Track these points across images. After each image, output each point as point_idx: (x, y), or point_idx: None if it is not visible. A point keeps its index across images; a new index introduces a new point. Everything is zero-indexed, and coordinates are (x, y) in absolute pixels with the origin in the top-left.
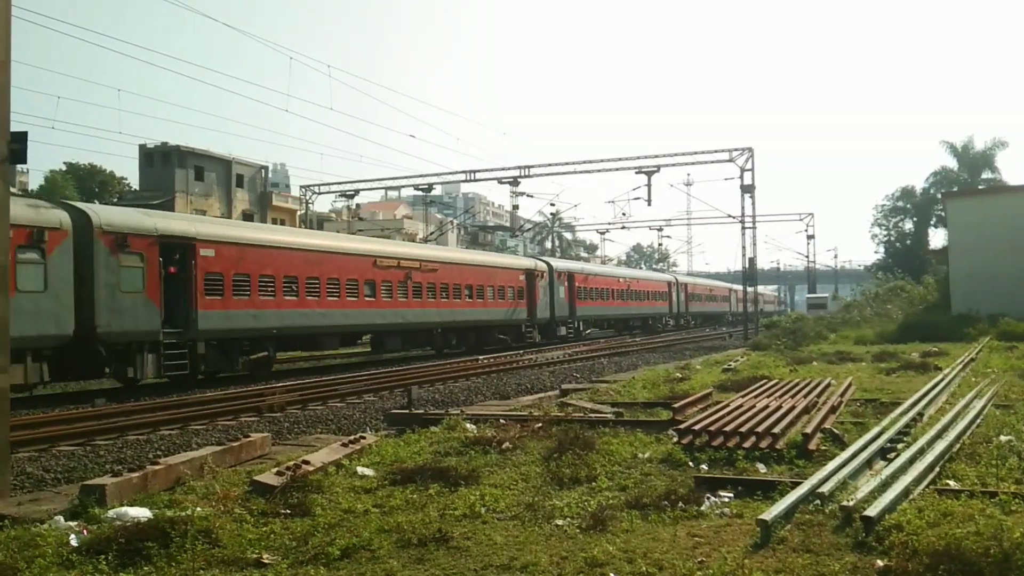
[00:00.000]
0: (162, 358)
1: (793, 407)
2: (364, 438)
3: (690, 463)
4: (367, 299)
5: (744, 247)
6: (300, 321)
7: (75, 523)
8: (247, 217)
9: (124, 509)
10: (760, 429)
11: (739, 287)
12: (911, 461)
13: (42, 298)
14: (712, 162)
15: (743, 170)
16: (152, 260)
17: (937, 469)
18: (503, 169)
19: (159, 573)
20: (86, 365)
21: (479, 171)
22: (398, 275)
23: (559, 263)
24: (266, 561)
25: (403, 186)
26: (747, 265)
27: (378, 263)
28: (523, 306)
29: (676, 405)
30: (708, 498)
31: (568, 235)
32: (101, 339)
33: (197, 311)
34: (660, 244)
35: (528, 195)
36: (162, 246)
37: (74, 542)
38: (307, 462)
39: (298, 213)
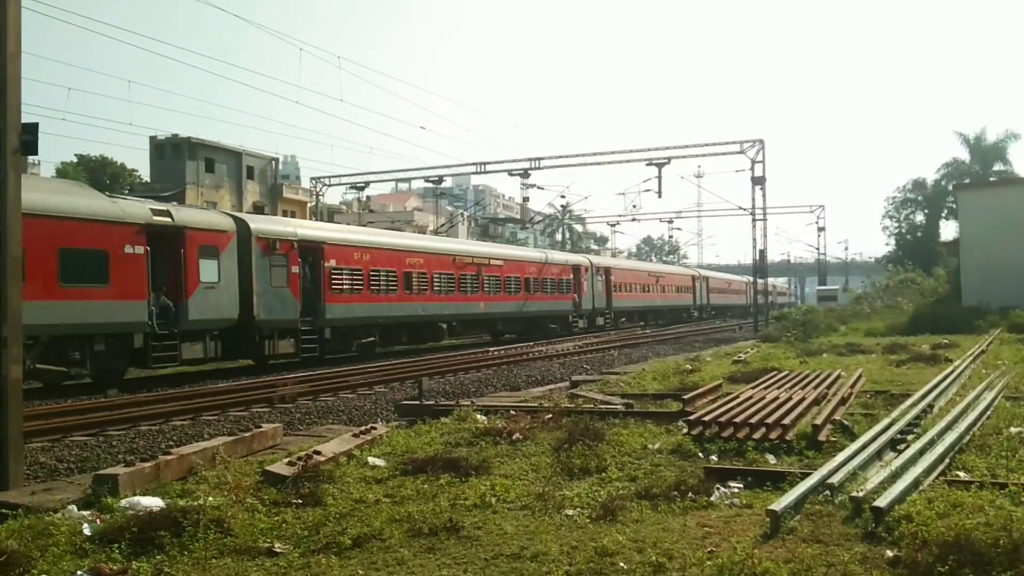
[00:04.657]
0: None
1: (803, 399)
2: (375, 429)
3: (700, 454)
4: None
5: (755, 239)
6: None
7: (88, 512)
8: (258, 209)
9: (137, 499)
10: (770, 420)
11: (709, 273)
12: (921, 452)
13: None
14: (723, 154)
15: (754, 162)
16: None
17: (947, 460)
18: (513, 161)
19: (171, 562)
20: None
21: (489, 163)
22: None
23: (272, 225)
24: (278, 550)
25: (413, 178)
26: (758, 257)
27: None
28: (133, 296)
29: (686, 396)
30: (718, 489)
31: (578, 227)
32: None
33: None
34: (671, 236)
35: (538, 187)
36: None
37: (87, 531)
38: (318, 452)
39: (308, 205)
